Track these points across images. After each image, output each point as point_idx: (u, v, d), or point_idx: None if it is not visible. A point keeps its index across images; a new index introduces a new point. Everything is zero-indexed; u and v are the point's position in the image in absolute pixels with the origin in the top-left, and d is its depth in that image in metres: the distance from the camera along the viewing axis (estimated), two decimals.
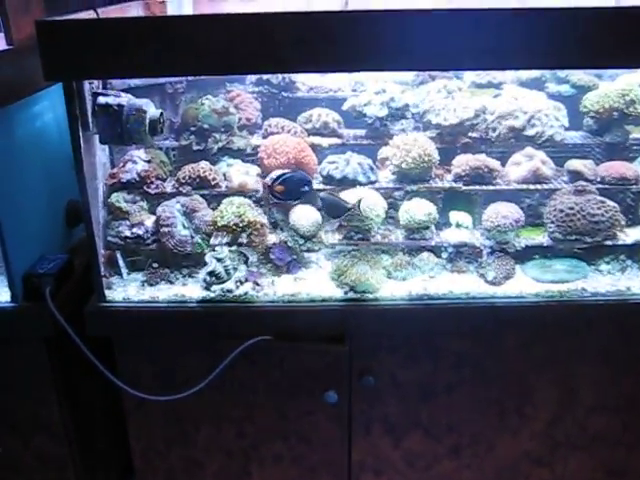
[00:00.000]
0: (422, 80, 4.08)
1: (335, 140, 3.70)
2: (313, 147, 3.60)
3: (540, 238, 3.55)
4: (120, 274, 3.56)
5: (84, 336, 3.11)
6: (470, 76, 3.80)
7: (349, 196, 3.34)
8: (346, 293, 3.37)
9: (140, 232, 3.43)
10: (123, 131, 2.96)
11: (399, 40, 2.50)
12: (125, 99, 2.96)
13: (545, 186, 3.60)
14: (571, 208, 3.41)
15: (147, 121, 2.96)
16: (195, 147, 3.65)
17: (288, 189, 3.34)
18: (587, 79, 3.96)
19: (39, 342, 3.24)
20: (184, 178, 3.52)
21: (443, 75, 3.73)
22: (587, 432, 3.58)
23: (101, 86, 3.03)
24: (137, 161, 3.53)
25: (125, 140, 2.98)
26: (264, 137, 3.67)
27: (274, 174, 3.42)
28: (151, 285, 3.50)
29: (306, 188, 3.35)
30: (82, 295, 3.34)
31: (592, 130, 3.71)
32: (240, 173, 3.57)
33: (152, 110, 3.01)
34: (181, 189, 3.53)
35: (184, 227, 3.46)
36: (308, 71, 3.27)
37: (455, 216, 3.55)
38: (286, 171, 3.38)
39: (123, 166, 3.50)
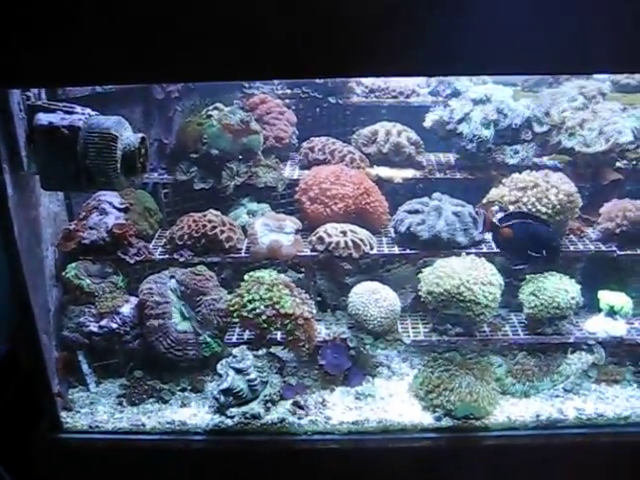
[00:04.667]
0: (538, 81, 3.28)
1: (412, 173, 3.12)
2: (379, 183, 3.07)
3: None
4: (85, 385, 2.93)
5: None
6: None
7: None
8: (439, 419, 2.77)
9: (113, 325, 2.85)
10: (79, 170, 2.34)
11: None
12: (82, 116, 2.38)
13: None
14: None
15: (119, 154, 2.34)
16: (199, 185, 3.00)
17: (517, 241, 2.76)
18: None
19: None
20: (182, 237, 2.90)
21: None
22: None
23: (44, 95, 2.50)
24: (108, 210, 2.94)
25: (82, 184, 2.38)
26: (304, 167, 3.16)
27: (496, 208, 2.90)
28: (133, 404, 2.88)
29: (543, 253, 2.75)
30: (26, 415, 2.86)
31: None
32: (270, 228, 2.93)
33: (127, 135, 2.40)
34: (177, 256, 2.90)
35: (183, 318, 2.89)
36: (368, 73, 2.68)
37: (607, 297, 2.92)
38: (532, 215, 2.81)
39: (85, 218, 2.91)
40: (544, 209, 2.78)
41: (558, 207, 2.78)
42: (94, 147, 2.32)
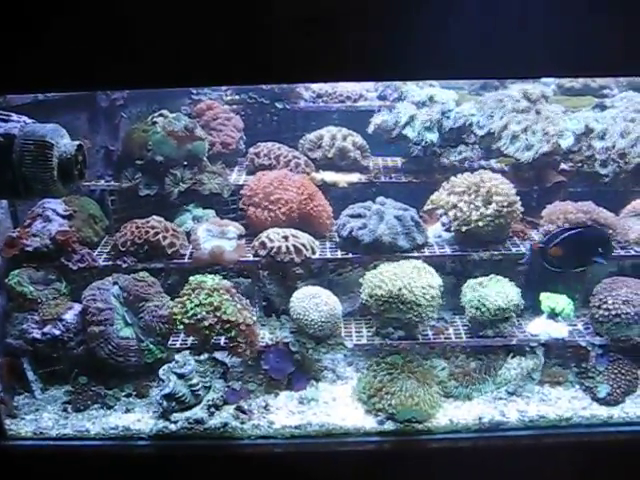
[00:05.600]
0: (483, 85, 3.29)
1: (358, 177, 3.12)
2: (324, 188, 3.06)
3: None
4: (31, 391, 2.91)
5: None
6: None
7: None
8: (381, 423, 2.75)
9: (56, 332, 2.83)
10: (16, 178, 2.28)
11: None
12: (17, 124, 2.33)
13: None
14: None
15: (55, 161, 2.29)
16: (144, 191, 3.00)
17: (571, 252, 2.79)
18: None
19: None
20: (125, 244, 2.90)
21: None
22: None
23: None
24: (51, 217, 2.92)
25: (20, 192, 2.31)
26: (250, 173, 3.15)
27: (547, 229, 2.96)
28: (78, 410, 2.87)
29: (599, 251, 2.79)
30: None
31: None
32: (212, 234, 2.94)
33: (64, 142, 2.34)
34: (120, 262, 2.90)
35: (126, 324, 2.87)
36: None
37: (548, 300, 2.91)
38: (571, 226, 2.84)
39: (29, 225, 2.90)
40: (482, 213, 2.75)
41: (495, 210, 2.75)
42: (30, 155, 2.29)
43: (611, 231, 2.89)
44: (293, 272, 3.00)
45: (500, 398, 2.86)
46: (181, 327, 2.76)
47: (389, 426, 2.73)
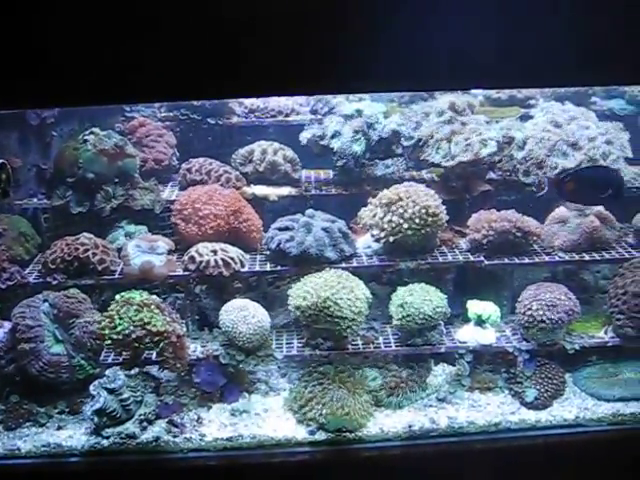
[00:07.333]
0: (413, 97, 3.30)
1: (288, 190, 3.16)
2: (256, 202, 3.09)
3: (600, 334, 2.96)
4: None
5: None
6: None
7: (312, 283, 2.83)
8: (312, 433, 2.75)
9: None
10: None
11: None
12: None
13: (607, 255, 2.98)
14: None
15: None
16: (76, 209, 3.02)
17: (584, 187, 2.84)
18: None
19: None
20: (55, 261, 2.89)
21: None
22: None
23: None
24: None
25: None
26: (183, 188, 3.17)
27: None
28: (9, 429, 2.84)
29: (609, 192, 2.80)
30: None
31: None
32: (142, 249, 2.93)
33: None
34: (50, 279, 2.89)
35: (56, 340, 2.86)
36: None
37: (475, 307, 2.91)
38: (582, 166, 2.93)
39: None
40: (406, 224, 2.77)
41: (420, 220, 2.77)
42: None
43: (533, 238, 2.92)
44: (231, 286, 3.03)
45: (430, 405, 2.86)
46: (109, 342, 2.71)
47: (320, 436, 2.73)
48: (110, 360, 2.84)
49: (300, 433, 2.72)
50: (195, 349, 2.89)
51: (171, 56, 1.99)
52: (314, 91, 2.70)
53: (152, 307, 2.73)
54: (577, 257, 2.96)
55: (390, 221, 2.80)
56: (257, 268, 2.90)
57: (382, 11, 2.03)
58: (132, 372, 2.80)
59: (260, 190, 3.06)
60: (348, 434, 2.73)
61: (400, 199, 2.79)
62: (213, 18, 1.97)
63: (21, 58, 2.03)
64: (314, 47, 2.03)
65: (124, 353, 2.82)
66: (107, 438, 2.71)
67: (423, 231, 2.80)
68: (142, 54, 2.01)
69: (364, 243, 3.02)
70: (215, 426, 2.77)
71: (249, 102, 3.25)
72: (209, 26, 1.99)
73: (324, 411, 2.71)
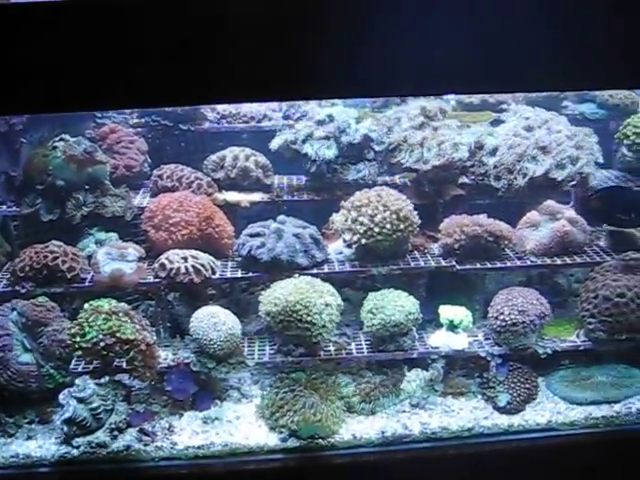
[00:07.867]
0: (386, 102, 3.31)
1: (260, 196, 3.16)
2: (227, 208, 3.09)
3: (572, 338, 2.97)
4: None
5: None
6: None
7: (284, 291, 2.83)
8: (285, 440, 2.74)
9: None
10: None
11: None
12: None
13: (578, 259, 3.00)
14: (621, 295, 2.78)
15: None
16: (46, 216, 3.01)
17: (608, 207, 2.86)
18: (623, 96, 3.29)
19: None
20: (23, 269, 2.87)
21: None
22: None
23: None
24: None
25: None
26: (154, 195, 3.16)
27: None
28: None
29: (632, 215, 2.84)
30: None
31: (631, 167, 3.24)
32: (112, 257, 2.94)
33: None
34: (19, 287, 2.87)
35: (25, 349, 2.86)
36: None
37: (447, 312, 2.93)
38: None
39: None
40: (377, 228, 2.77)
41: (391, 225, 2.77)
42: None
43: (505, 243, 2.92)
44: (204, 292, 3.02)
45: (403, 411, 2.86)
46: (78, 351, 2.69)
47: (292, 443, 2.72)
48: (80, 369, 2.80)
49: (272, 440, 2.71)
50: (166, 357, 2.86)
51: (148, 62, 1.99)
52: (284, 98, 2.70)
53: (121, 315, 2.70)
54: (549, 261, 2.94)
55: (361, 224, 2.80)
56: (228, 275, 2.88)
57: (355, 16, 1.99)
58: (102, 380, 2.76)
59: (232, 196, 3.06)
60: (320, 440, 2.71)
61: (373, 203, 2.80)
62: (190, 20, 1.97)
63: None
64: (287, 52, 1.96)
65: (94, 362, 2.77)
66: (77, 447, 2.69)
67: (395, 236, 2.81)
68: (123, 60, 1.99)
69: (336, 249, 3.02)
70: (187, 434, 2.76)
71: (221, 108, 3.24)
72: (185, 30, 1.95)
73: (296, 418, 2.71)
